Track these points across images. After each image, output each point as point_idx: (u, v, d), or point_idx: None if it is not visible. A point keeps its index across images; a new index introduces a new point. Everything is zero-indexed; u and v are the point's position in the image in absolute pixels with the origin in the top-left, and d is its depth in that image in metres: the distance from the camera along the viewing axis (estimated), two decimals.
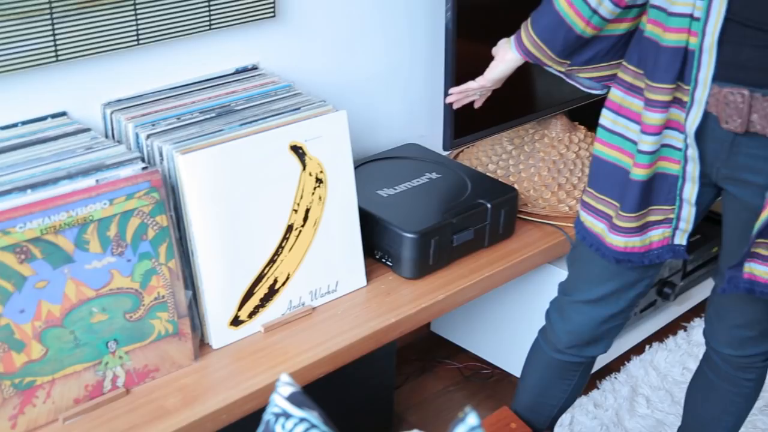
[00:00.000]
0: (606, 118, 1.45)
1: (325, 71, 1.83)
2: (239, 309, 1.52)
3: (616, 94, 1.43)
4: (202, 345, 1.50)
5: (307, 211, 1.57)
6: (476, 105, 1.66)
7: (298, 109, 1.57)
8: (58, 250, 1.29)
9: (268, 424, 0.96)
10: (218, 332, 1.50)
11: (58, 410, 1.32)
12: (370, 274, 1.68)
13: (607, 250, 1.46)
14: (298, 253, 1.58)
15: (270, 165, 1.50)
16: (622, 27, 1.43)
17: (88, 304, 1.33)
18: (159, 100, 1.55)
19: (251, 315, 1.54)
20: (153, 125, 1.47)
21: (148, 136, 1.45)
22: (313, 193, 1.57)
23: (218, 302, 1.49)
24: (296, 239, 1.57)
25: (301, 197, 1.56)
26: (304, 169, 1.55)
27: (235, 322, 1.52)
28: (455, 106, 1.68)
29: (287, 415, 0.95)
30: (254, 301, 1.54)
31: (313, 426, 0.94)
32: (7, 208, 1.24)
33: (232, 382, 1.43)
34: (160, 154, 1.43)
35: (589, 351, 1.61)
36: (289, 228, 1.55)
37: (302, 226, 1.57)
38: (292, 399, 0.98)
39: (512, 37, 1.52)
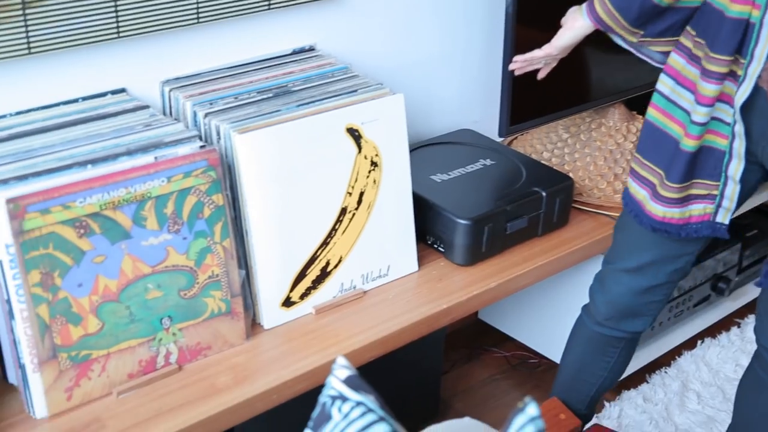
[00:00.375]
0: (664, 84, 1.44)
1: (381, 54, 1.82)
2: (291, 290, 1.52)
3: (677, 61, 1.42)
4: (253, 325, 1.50)
5: (362, 194, 1.56)
6: (540, 75, 1.63)
7: (355, 91, 1.56)
8: (116, 226, 1.30)
9: (324, 407, 0.96)
10: (270, 312, 1.50)
11: (112, 384, 1.33)
12: (421, 260, 1.67)
13: (645, 218, 1.47)
14: (351, 236, 1.57)
15: (326, 147, 1.50)
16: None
17: (144, 280, 1.34)
18: (217, 79, 1.55)
19: (303, 296, 1.54)
20: (211, 104, 1.47)
21: (206, 115, 1.45)
22: (367, 177, 1.56)
23: (271, 283, 1.49)
24: (350, 222, 1.56)
25: (356, 180, 1.55)
26: (359, 151, 1.54)
27: (287, 303, 1.52)
28: (517, 73, 1.64)
29: (344, 398, 0.95)
30: (306, 282, 1.54)
31: (370, 410, 0.93)
32: (68, 182, 1.25)
33: (283, 363, 1.44)
34: (218, 133, 1.43)
35: (627, 325, 1.61)
36: (343, 211, 1.55)
37: (356, 209, 1.56)
38: (348, 382, 0.97)
39: (584, 5, 1.49)
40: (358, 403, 0.94)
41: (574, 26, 1.51)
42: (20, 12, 1.31)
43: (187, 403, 1.33)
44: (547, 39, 1.56)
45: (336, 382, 0.98)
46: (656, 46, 1.48)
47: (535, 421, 0.86)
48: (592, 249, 1.81)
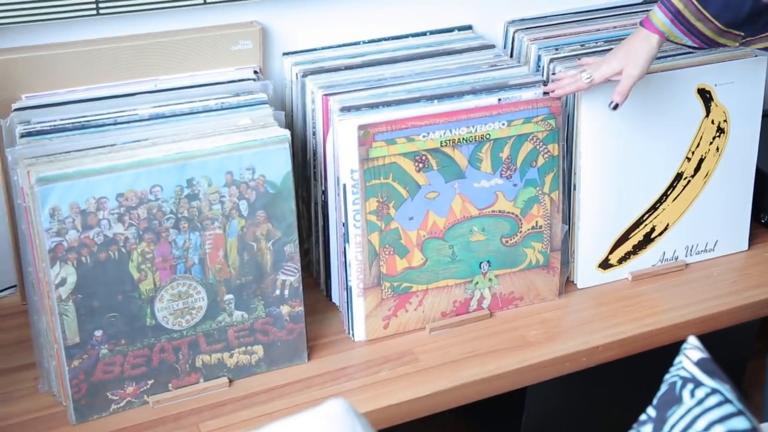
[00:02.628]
0: None
1: None
2: (611, 252, 1.45)
3: None
4: (567, 282, 1.45)
5: (701, 160, 1.45)
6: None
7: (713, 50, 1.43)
8: (453, 164, 1.29)
9: (673, 386, 0.89)
10: (586, 272, 1.45)
11: (426, 319, 1.34)
12: (752, 239, 1.54)
13: None
14: (682, 204, 1.47)
15: (672, 106, 1.40)
16: None
17: (470, 222, 1.33)
18: (562, 24, 1.49)
19: (621, 261, 1.46)
20: (556, 49, 1.42)
21: (551, 60, 1.39)
22: (711, 143, 1.44)
23: (591, 242, 1.43)
24: (683, 189, 1.46)
25: (698, 145, 1.44)
26: (707, 115, 1.42)
27: (604, 264, 1.45)
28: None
29: (697, 383, 0.88)
30: (627, 246, 1.46)
31: (727, 401, 0.86)
32: (414, 116, 1.25)
33: (595, 326, 1.38)
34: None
35: None
36: (678, 176, 1.45)
37: (692, 176, 1.45)
38: (702, 365, 0.90)
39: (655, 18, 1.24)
40: (714, 390, 0.86)
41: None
42: None
43: (496, 351, 1.31)
44: None
45: (688, 363, 0.91)
46: (759, 43, 1.25)
47: None
48: None
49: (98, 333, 1.14)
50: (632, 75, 1.26)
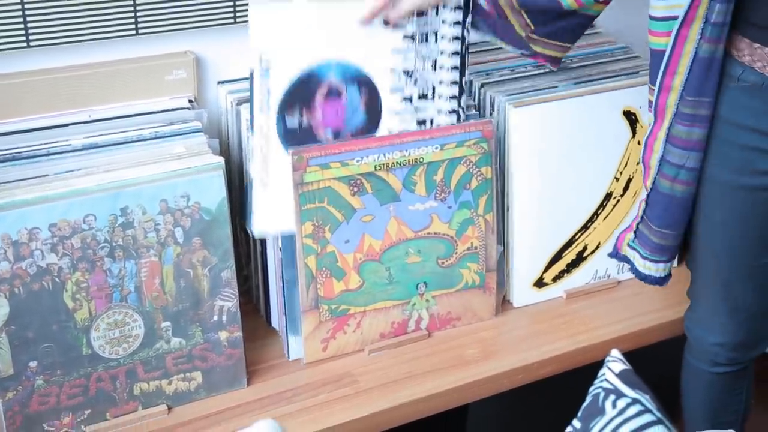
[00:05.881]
0: None
1: None
2: (545, 271, 1.48)
3: None
4: (503, 302, 1.48)
5: (629, 180, 1.49)
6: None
7: (636, 73, 1.49)
8: (387, 188, 1.31)
9: (597, 398, 0.92)
10: (521, 291, 1.48)
11: (365, 341, 1.36)
12: (680, 256, 1.58)
13: None
14: (612, 222, 1.51)
15: (599, 128, 1.44)
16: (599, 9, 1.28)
17: (406, 244, 1.35)
18: (493, 50, 1.53)
19: (555, 279, 1.50)
20: (487, 74, 1.45)
21: (482, 85, 1.43)
22: (638, 163, 1.49)
23: (526, 261, 1.46)
24: (613, 208, 1.50)
25: (626, 165, 1.48)
26: (633, 136, 1.47)
27: (539, 283, 1.49)
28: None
29: (619, 393, 0.91)
30: (560, 265, 1.49)
31: (647, 410, 0.89)
32: (348, 141, 1.27)
33: (531, 344, 1.41)
34: (492, 105, 1.41)
35: None
36: (608, 196, 1.49)
37: (621, 195, 1.50)
38: (623, 377, 0.93)
39: None
40: (635, 401, 0.89)
41: None
42: None
43: (435, 370, 1.33)
44: None
45: (610, 375, 0.94)
46: (539, 46, 1.32)
47: None
48: None
49: (33, 364, 1.14)
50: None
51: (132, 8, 1.28)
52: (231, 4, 1.34)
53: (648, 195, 1.25)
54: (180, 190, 1.18)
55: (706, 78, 1.16)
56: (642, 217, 1.27)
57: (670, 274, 1.32)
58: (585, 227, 1.49)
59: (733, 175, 1.20)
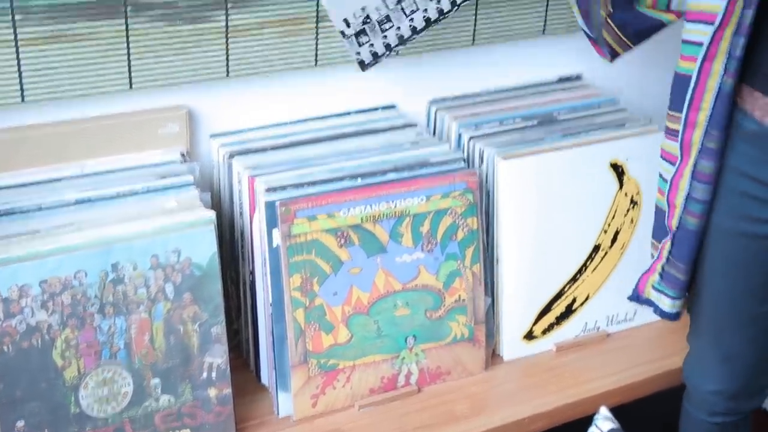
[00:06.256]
0: None
1: (650, 88, 1.74)
2: (534, 324, 1.49)
3: None
4: (493, 355, 1.48)
5: (617, 232, 1.50)
6: None
7: (623, 125, 1.51)
8: (374, 240, 1.31)
9: None
10: (511, 344, 1.48)
11: (354, 397, 1.35)
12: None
13: None
14: (601, 275, 1.52)
15: (586, 181, 1.45)
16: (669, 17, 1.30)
17: (394, 297, 1.35)
18: (483, 102, 1.55)
19: (545, 332, 1.50)
20: (476, 127, 1.47)
21: (471, 138, 1.44)
22: (625, 215, 1.50)
23: (515, 314, 1.47)
24: (601, 260, 1.51)
25: (613, 218, 1.49)
26: (620, 188, 1.48)
27: (529, 336, 1.49)
28: None
29: None
30: (550, 318, 1.50)
31: None
32: (336, 192, 1.28)
33: (522, 398, 1.40)
34: (480, 157, 1.42)
35: None
36: (596, 248, 1.50)
37: (609, 247, 1.51)
38: None
39: None
40: None
41: None
42: (313, 27, 1.36)
43: (425, 426, 1.33)
44: None
45: None
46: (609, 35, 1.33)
47: None
48: None
49: (20, 423, 1.13)
50: None
51: (126, 63, 1.29)
52: (224, 58, 1.35)
53: (674, 235, 1.26)
54: (171, 245, 1.18)
55: (729, 112, 1.17)
56: (668, 258, 1.28)
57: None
58: (574, 279, 1.50)
59: (733, 222, 1.22)
